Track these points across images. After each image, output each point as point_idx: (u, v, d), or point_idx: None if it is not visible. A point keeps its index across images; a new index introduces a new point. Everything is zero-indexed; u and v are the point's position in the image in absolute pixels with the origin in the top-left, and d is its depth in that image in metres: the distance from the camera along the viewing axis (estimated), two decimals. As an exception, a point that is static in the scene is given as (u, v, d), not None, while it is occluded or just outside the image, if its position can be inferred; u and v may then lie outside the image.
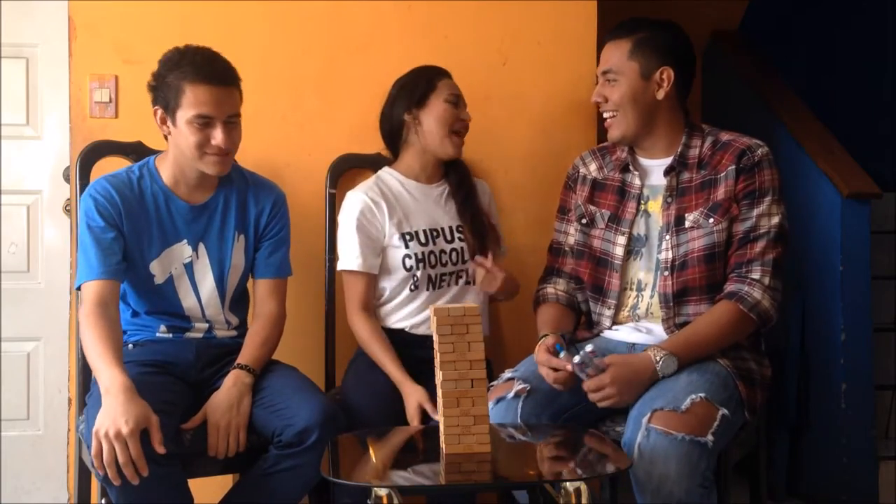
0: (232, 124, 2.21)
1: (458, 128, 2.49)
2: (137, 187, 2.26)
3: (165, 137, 2.27)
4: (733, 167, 2.18)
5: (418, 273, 2.47)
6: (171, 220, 2.27)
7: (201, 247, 2.30)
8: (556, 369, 2.11)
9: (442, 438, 1.84)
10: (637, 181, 2.29)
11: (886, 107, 4.28)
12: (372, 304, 2.51)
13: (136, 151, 2.48)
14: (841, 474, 3.19)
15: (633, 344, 2.23)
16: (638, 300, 2.26)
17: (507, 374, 2.25)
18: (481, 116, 2.79)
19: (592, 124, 2.80)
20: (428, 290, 2.48)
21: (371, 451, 2.04)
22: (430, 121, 2.49)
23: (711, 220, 2.18)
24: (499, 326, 2.73)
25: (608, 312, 2.28)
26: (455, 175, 2.56)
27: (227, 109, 2.19)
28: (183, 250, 2.29)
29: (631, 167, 2.30)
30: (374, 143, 2.65)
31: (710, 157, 2.23)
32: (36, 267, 3.00)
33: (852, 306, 3.18)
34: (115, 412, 1.93)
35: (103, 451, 1.91)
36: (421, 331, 2.48)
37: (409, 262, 2.47)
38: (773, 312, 2.15)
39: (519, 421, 2.14)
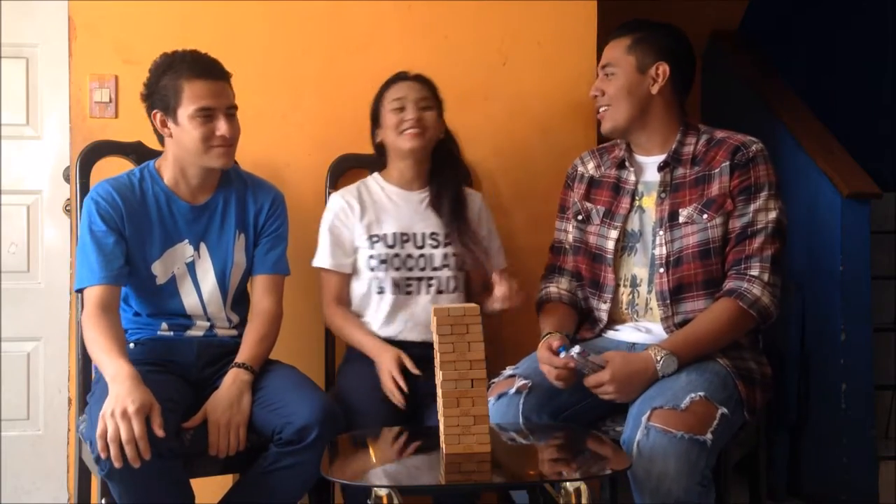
0: (231, 116, 2.26)
1: (404, 128, 2.48)
2: (139, 189, 2.28)
3: (163, 142, 2.30)
4: (727, 163, 2.19)
5: (381, 274, 2.49)
6: (172, 221, 2.29)
7: (203, 246, 2.32)
8: (557, 367, 2.12)
9: (442, 438, 1.84)
10: (632, 177, 2.30)
11: (886, 107, 4.28)
12: (345, 299, 2.55)
13: (136, 151, 2.48)
14: (841, 474, 3.19)
15: (634, 343, 2.24)
16: (634, 296, 2.27)
17: (509, 370, 2.26)
18: (481, 116, 2.80)
19: (592, 124, 2.79)
20: (394, 293, 2.49)
21: (371, 451, 2.04)
22: (386, 132, 2.53)
23: (705, 216, 2.19)
24: (499, 326, 2.72)
25: (604, 307, 2.29)
26: (438, 184, 2.55)
27: (225, 101, 2.25)
28: (185, 250, 2.30)
29: (627, 163, 2.32)
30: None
31: (705, 154, 2.24)
32: (36, 267, 3.00)
33: (852, 306, 3.18)
34: (122, 395, 1.97)
35: (108, 430, 1.94)
36: (396, 338, 2.48)
37: (372, 263, 2.50)
38: (772, 309, 2.15)
39: (520, 417, 2.14)
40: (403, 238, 2.51)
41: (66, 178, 2.88)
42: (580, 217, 2.37)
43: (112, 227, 2.23)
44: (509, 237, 2.76)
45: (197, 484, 2.16)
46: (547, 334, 2.24)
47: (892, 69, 4.30)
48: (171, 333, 2.31)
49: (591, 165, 2.41)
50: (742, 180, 2.18)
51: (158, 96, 2.22)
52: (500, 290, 2.34)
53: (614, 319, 2.31)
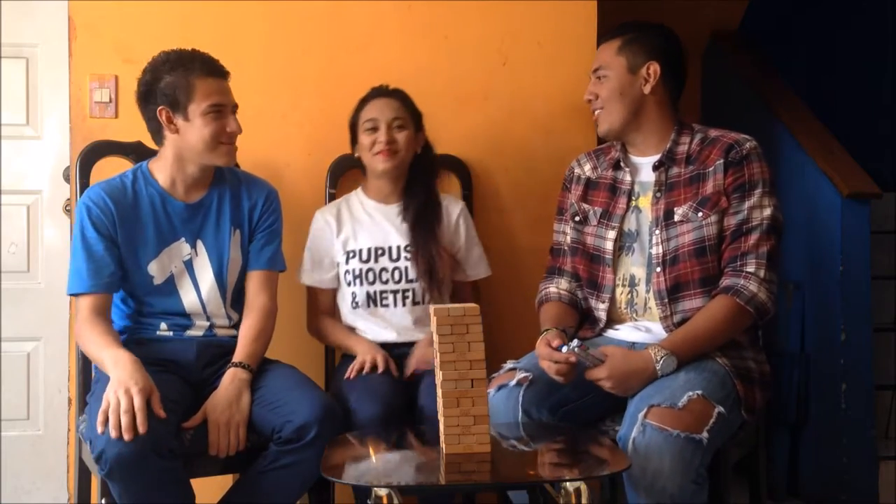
0: (235, 114, 2.29)
1: (377, 150, 2.51)
2: (132, 191, 2.29)
3: (159, 141, 2.29)
4: (721, 161, 2.20)
5: (356, 289, 2.52)
6: (167, 220, 2.30)
7: (199, 244, 2.33)
8: (557, 361, 2.12)
9: (442, 438, 1.84)
10: (628, 178, 2.31)
11: (886, 107, 4.28)
12: (330, 310, 2.60)
13: (136, 151, 2.48)
14: (841, 474, 3.19)
15: (634, 343, 2.24)
16: (633, 296, 2.27)
17: (510, 364, 2.27)
18: (481, 116, 2.80)
19: (592, 125, 2.78)
20: (368, 306, 2.52)
21: (371, 450, 2.04)
22: (361, 151, 2.57)
23: (700, 214, 2.19)
24: (499, 326, 2.72)
25: (602, 307, 2.30)
26: (409, 196, 2.57)
27: (231, 99, 2.28)
28: (181, 248, 2.31)
29: (622, 164, 2.33)
30: (374, 143, 2.66)
31: (699, 153, 2.24)
32: (36, 267, 3.00)
33: (852, 306, 3.18)
34: (124, 378, 2.02)
35: (111, 404, 1.97)
36: (375, 341, 2.51)
37: (348, 278, 2.54)
38: (770, 305, 2.16)
39: (519, 410, 2.14)
40: (378, 252, 2.54)
41: (66, 178, 2.89)
42: (577, 218, 2.37)
43: (103, 233, 2.24)
44: (509, 237, 2.76)
45: (197, 484, 2.16)
46: (546, 330, 2.24)
47: (892, 69, 4.30)
48: (171, 334, 2.31)
49: (587, 167, 2.42)
50: (736, 178, 2.19)
51: (164, 93, 2.21)
52: (416, 354, 2.42)
53: (613, 319, 2.31)
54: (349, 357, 2.50)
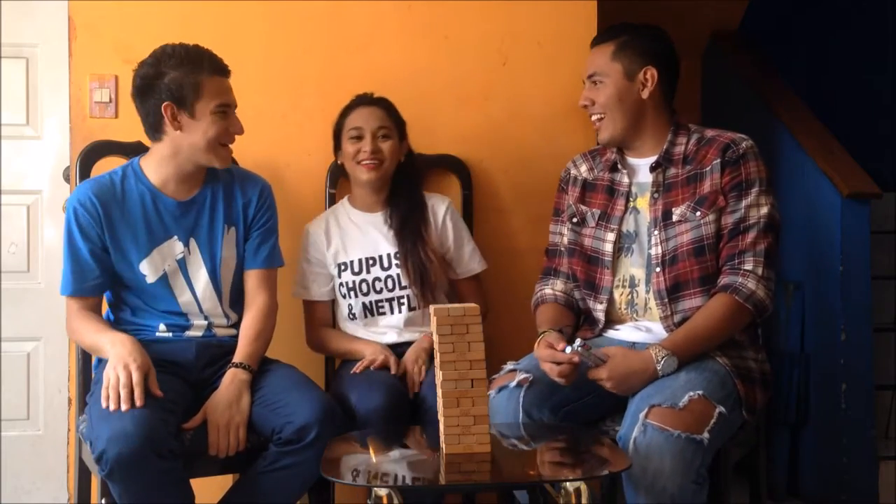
0: (235, 114, 2.28)
1: (361, 159, 2.51)
2: (121, 189, 2.27)
3: (158, 137, 2.25)
4: (718, 161, 2.20)
5: (351, 301, 2.53)
6: (159, 219, 2.28)
7: (192, 242, 2.31)
8: (558, 363, 2.12)
9: (442, 438, 1.84)
10: (625, 179, 2.31)
11: (886, 107, 4.28)
12: (329, 322, 2.60)
13: (136, 151, 2.47)
14: (841, 474, 3.19)
15: (634, 343, 2.24)
16: (633, 296, 2.27)
17: (510, 365, 2.27)
18: (481, 116, 2.80)
19: (592, 124, 2.79)
20: (365, 316, 2.53)
21: (371, 450, 2.04)
22: (345, 159, 2.56)
23: (698, 214, 2.20)
24: (498, 326, 2.72)
25: (600, 308, 2.30)
26: (394, 204, 2.56)
27: (234, 99, 2.27)
28: (174, 247, 2.29)
29: (619, 166, 2.33)
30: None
31: (696, 153, 2.25)
32: (36, 267, 3.00)
33: (852, 306, 3.18)
34: (124, 354, 2.08)
35: (111, 380, 2.02)
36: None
37: (342, 290, 2.54)
38: (768, 302, 2.16)
39: (520, 411, 2.14)
40: (370, 262, 2.53)
41: (66, 178, 2.88)
42: (575, 220, 2.37)
43: (89, 236, 2.23)
44: (509, 237, 2.76)
45: (197, 484, 2.16)
46: (543, 332, 2.24)
47: (892, 69, 4.30)
48: (170, 335, 2.31)
49: (583, 168, 2.42)
50: (733, 177, 2.19)
51: (170, 87, 2.17)
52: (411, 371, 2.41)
53: (613, 319, 2.31)
54: (351, 362, 2.48)
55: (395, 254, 2.52)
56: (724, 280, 2.17)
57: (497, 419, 2.11)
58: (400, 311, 2.52)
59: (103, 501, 2.12)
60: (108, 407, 2.01)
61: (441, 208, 2.60)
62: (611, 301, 2.29)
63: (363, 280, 2.52)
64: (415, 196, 2.58)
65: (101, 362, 2.28)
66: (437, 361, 1.85)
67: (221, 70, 2.24)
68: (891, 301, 3.73)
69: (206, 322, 2.33)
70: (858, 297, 3.19)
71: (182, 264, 2.30)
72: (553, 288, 2.41)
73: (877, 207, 3.30)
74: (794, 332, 3.29)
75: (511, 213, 2.80)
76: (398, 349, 2.49)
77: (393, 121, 2.54)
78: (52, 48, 2.91)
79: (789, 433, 3.32)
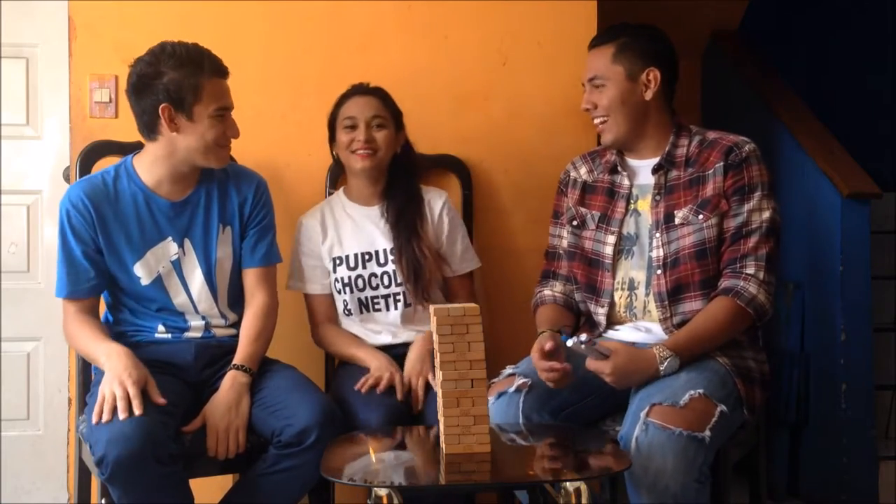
0: (232, 116, 2.25)
1: (355, 148, 2.48)
2: (114, 189, 2.25)
3: (153, 137, 2.22)
4: (721, 164, 2.20)
5: (346, 297, 2.49)
6: (152, 220, 2.26)
7: (187, 242, 2.29)
8: (551, 369, 2.11)
9: (442, 438, 1.84)
10: (626, 181, 2.31)
11: (886, 107, 4.28)
12: (332, 317, 2.55)
13: (137, 151, 2.48)
14: (841, 474, 3.19)
15: (634, 343, 2.23)
16: (632, 299, 2.27)
17: (509, 369, 2.26)
18: (481, 116, 2.80)
19: (592, 125, 2.78)
20: (361, 312, 2.50)
21: (371, 451, 2.04)
22: (339, 149, 2.54)
23: (701, 217, 2.19)
24: (499, 326, 2.72)
25: (602, 311, 2.29)
26: (390, 197, 2.53)
27: (232, 101, 2.25)
28: (168, 248, 2.28)
29: (619, 168, 2.32)
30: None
31: (698, 155, 2.24)
32: (36, 267, 3.00)
33: (852, 306, 3.18)
34: (118, 368, 2.04)
35: (106, 397, 1.99)
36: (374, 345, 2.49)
37: (337, 286, 2.51)
38: (768, 307, 2.16)
39: (520, 415, 2.14)
40: (366, 257, 2.50)
41: (66, 178, 2.88)
42: (575, 222, 2.37)
43: (83, 237, 2.22)
44: (509, 237, 2.76)
45: (197, 484, 2.16)
46: (541, 333, 2.24)
47: (892, 69, 4.30)
48: (169, 336, 2.30)
49: (583, 170, 2.41)
50: (736, 181, 2.19)
51: (168, 88, 2.14)
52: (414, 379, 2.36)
53: (613, 321, 2.31)
54: (351, 365, 2.47)
55: (391, 249, 2.49)
56: (725, 283, 2.17)
57: (497, 425, 2.11)
58: (396, 308, 2.49)
59: (103, 501, 2.12)
60: (100, 420, 1.98)
61: (438, 203, 2.57)
62: (611, 304, 2.29)
63: (359, 276, 2.50)
64: (411, 189, 2.55)
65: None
66: (437, 361, 1.85)
67: (221, 71, 2.21)
68: (891, 301, 3.73)
69: (203, 322, 2.32)
70: (858, 297, 3.19)
71: (177, 265, 2.29)
72: (552, 289, 2.40)
73: (877, 207, 3.30)
74: (794, 332, 3.29)
75: (511, 213, 2.80)
76: (395, 350, 2.47)
77: (389, 110, 2.51)
78: (52, 48, 2.91)
79: (789, 433, 3.32)
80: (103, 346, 2.12)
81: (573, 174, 2.43)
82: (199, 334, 2.32)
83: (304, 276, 2.54)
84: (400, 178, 2.54)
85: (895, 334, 3.68)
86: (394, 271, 2.48)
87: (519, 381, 2.18)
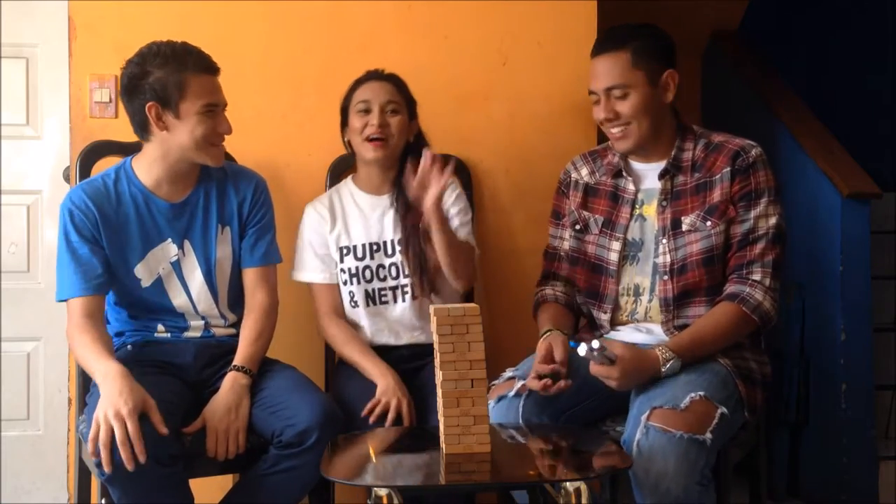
0: (224, 112, 2.24)
1: (368, 133, 2.43)
2: (114, 192, 2.24)
3: (146, 137, 2.23)
4: (728, 169, 2.19)
5: (353, 288, 2.46)
6: (152, 221, 2.26)
7: (186, 244, 2.29)
8: (540, 377, 2.10)
9: (442, 438, 1.84)
10: (631, 186, 2.28)
11: (886, 107, 4.28)
12: (341, 311, 2.50)
13: (136, 151, 2.47)
14: (841, 474, 3.19)
15: (635, 344, 2.22)
16: (636, 305, 2.26)
17: (508, 372, 2.25)
18: (481, 116, 2.80)
19: (592, 124, 2.79)
20: (368, 305, 2.46)
21: (371, 451, 2.04)
22: (352, 135, 2.49)
23: (709, 223, 2.18)
24: (498, 326, 2.72)
25: (605, 317, 2.28)
26: (401, 187, 2.46)
27: (223, 98, 2.23)
28: (168, 249, 2.27)
29: (624, 172, 2.29)
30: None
31: (704, 160, 2.23)
32: (36, 267, 3.00)
33: (852, 306, 3.18)
34: (114, 395, 1.94)
35: (101, 432, 1.91)
36: (380, 343, 2.46)
37: (343, 277, 2.47)
38: (773, 314, 2.16)
39: (520, 420, 2.14)
40: (374, 248, 2.47)
41: (66, 178, 2.88)
42: (578, 226, 2.35)
43: (87, 236, 2.20)
44: (509, 237, 2.76)
45: (197, 484, 2.16)
46: (546, 332, 2.22)
47: (892, 69, 4.30)
48: (168, 335, 2.30)
49: (584, 171, 2.39)
50: (743, 186, 2.18)
51: (154, 87, 2.14)
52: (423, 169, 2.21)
53: (614, 323, 2.30)
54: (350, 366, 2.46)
55: (399, 240, 2.46)
56: (731, 288, 2.16)
57: (497, 429, 2.10)
58: (403, 301, 2.46)
59: (103, 501, 2.12)
60: (99, 462, 1.91)
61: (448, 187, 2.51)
62: (614, 309, 2.27)
63: (367, 266, 2.46)
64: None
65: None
66: (437, 361, 1.85)
67: (208, 68, 2.19)
68: (891, 301, 3.73)
69: (202, 322, 2.32)
70: (858, 297, 3.19)
71: (176, 266, 2.28)
72: (554, 289, 2.39)
73: (877, 207, 3.30)
74: (795, 333, 3.29)
75: (511, 213, 2.80)
76: (397, 353, 2.45)
77: (403, 97, 2.48)
78: (52, 48, 2.91)
79: (789, 433, 3.32)
80: (101, 365, 2.04)
81: (574, 175, 2.40)
82: (198, 334, 2.32)
83: (310, 264, 2.50)
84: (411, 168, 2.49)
85: (895, 334, 3.68)
86: (402, 263, 2.45)
87: (518, 384, 2.17)
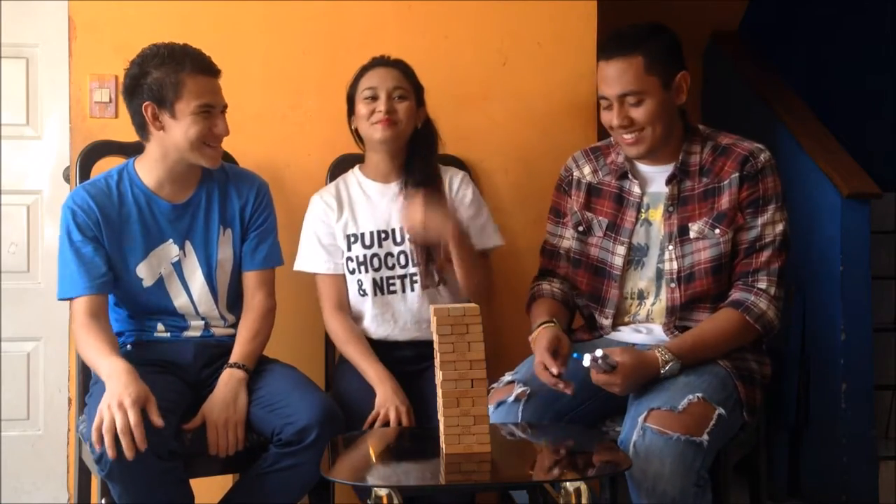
0: (223, 115, 2.24)
1: (376, 119, 2.41)
2: (116, 192, 2.25)
3: (146, 138, 2.24)
4: (737, 175, 2.15)
5: (361, 276, 2.45)
6: (154, 221, 2.27)
7: (188, 244, 2.30)
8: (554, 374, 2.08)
9: (442, 438, 1.84)
10: (636, 189, 2.25)
11: (886, 107, 4.28)
12: (345, 304, 2.48)
13: (136, 151, 2.46)
14: (841, 474, 3.19)
15: (635, 344, 2.22)
16: (639, 308, 2.25)
17: (508, 377, 2.24)
18: (481, 116, 2.80)
19: (592, 124, 2.80)
20: (376, 294, 2.44)
21: (371, 451, 2.04)
22: (359, 121, 2.47)
23: (717, 231, 2.16)
24: (498, 326, 2.72)
25: (607, 322, 2.27)
26: (408, 173, 2.46)
27: (221, 100, 2.23)
28: (170, 250, 2.28)
29: (630, 175, 2.25)
30: (374, 143, 2.65)
31: (712, 164, 2.19)
32: (36, 267, 3.00)
33: (852, 306, 3.18)
34: (118, 389, 1.98)
35: (105, 421, 1.94)
36: (386, 338, 2.46)
37: (350, 265, 2.45)
38: (776, 322, 2.15)
39: None
40: (382, 236, 2.45)
41: (66, 178, 2.88)
42: (581, 228, 2.31)
43: (90, 236, 2.21)
44: (509, 238, 2.75)
45: (197, 484, 2.16)
46: (541, 324, 2.18)
47: (892, 69, 4.30)
48: (168, 335, 2.31)
49: (587, 170, 2.34)
50: (751, 192, 2.15)
51: (151, 88, 2.16)
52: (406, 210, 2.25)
53: (614, 324, 2.28)
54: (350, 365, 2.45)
55: None
56: (736, 295, 2.15)
57: (497, 435, 2.10)
58: (412, 290, 2.44)
59: (103, 501, 2.12)
60: (101, 451, 1.95)
61: (456, 180, 2.53)
62: (615, 314, 2.26)
63: (374, 254, 2.45)
64: (430, 167, 2.49)
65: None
66: (437, 361, 1.85)
67: (206, 69, 2.19)
68: (891, 301, 3.73)
69: (202, 323, 2.33)
70: (858, 297, 3.19)
71: (178, 267, 2.29)
72: (551, 285, 2.35)
73: (877, 207, 3.30)
74: (795, 332, 3.29)
75: (511, 213, 2.80)
76: (399, 352, 2.45)
77: (410, 83, 2.47)
78: (52, 48, 2.91)
79: (789, 433, 3.32)
80: (107, 362, 2.07)
81: (576, 174, 2.36)
82: (198, 334, 2.32)
83: (313, 254, 2.47)
84: (419, 155, 2.48)
85: (895, 334, 3.68)
86: (411, 251, 2.43)
87: (518, 389, 2.15)
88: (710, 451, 1.97)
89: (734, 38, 4.04)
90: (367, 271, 2.44)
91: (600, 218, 2.29)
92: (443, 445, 1.84)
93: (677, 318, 2.19)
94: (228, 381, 2.19)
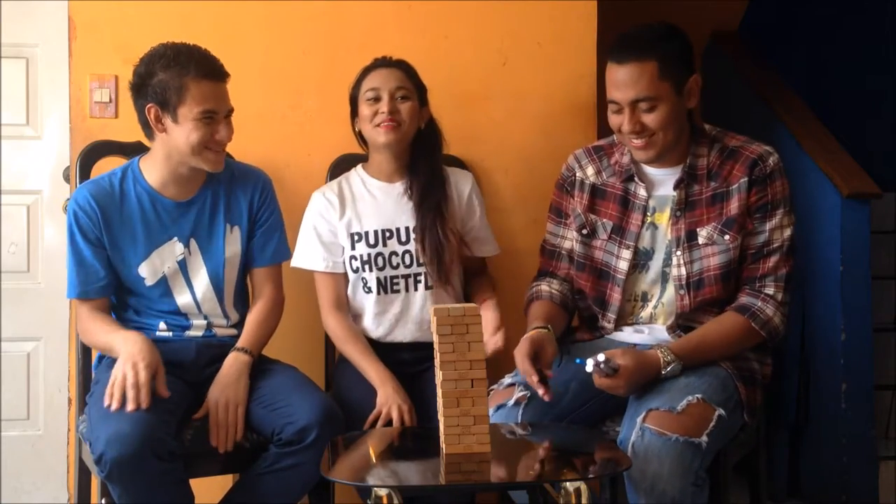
0: (228, 119, 2.23)
1: (378, 121, 2.41)
2: (119, 191, 2.26)
3: (150, 137, 2.25)
4: (745, 179, 2.13)
5: (365, 275, 2.44)
6: (157, 220, 2.27)
7: (193, 243, 2.30)
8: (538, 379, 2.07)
9: (442, 438, 1.84)
10: (642, 192, 2.22)
11: (886, 107, 4.28)
12: (344, 303, 2.48)
13: (137, 151, 2.47)
14: (841, 474, 3.18)
15: (635, 345, 2.21)
16: (642, 310, 2.24)
17: (508, 379, 2.23)
18: (481, 116, 2.80)
19: (592, 124, 2.80)
20: (379, 293, 2.43)
21: (371, 451, 2.04)
22: (362, 123, 2.47)
23: (727, 237, 2.14)
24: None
25: (609, 326, 2.26)
26: (415, 173, 2.47)
27: (226, 105, 2.23)
28: (174, 248, 2.29)
29: (636, 177, 2.22)
30: (374, 143, 2.65)
31: (720, 168, 2.17)
32: (36, 267, 3.00)
33: (852, 306, 3.17)
34: (134, 352, 2.07)
35: (118, 378, 2.03)
36: (386, 339, 2.46)
37: (354, 264, 2.45)
38: (782, 329, 2.14)
39: None
40: (386, 235, 2.45)
41: (66, 178, 2.88)
42: (585, 231, 2.28)
43: (91, 239, 2.23)
44: (509, 238, 2.76)
45: (197, 484, 2.16)
46: (535, 328, 2.16)
47: (892, 69, 4.29)
48: (170, 334, 2.31)
49: (590, 170, 2.31)
50: (760, 197, 2.14)
51: (155, 90, 2.16)
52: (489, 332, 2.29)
53: (616, 327, 2.27)
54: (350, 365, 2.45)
55: (414, 228, 2.44)
56: (742, 300, 2.14)
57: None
58: (416, 290, 2.44)
59: (103, 501, 2.12)
60: (110, 405, 2.01)
61: (466, 185, 2.53)
62: (618, 318, 2.25)
63: (379, 253, 2.44)
64: (436, 167, 2.49)
65: (101, 362, 2.29)
66: (436, 361, 1.85)
67: (211, 74, 2.18)
68: (891, 301, 3.73)
69: (205, 322, 2.33)
70: (858, 297, 3.18)
71: (182, 265, 2.29)
72: (550, 286, 2.33)
73: (877, 207, 3.30)
74: (795, 333, 3.29)
75: (511, 213, 2.80)
76: (398, 356, 2.44)
77: (413, 83, 2.46)
78: (52, 48, 2.91)
79: (789, 433, 3.32)
80: (120, 334, 2.16)
81: (579, 174, 2.32)
82: (200, 333, 2.32)
83: (312, 251, 2.47)
84: (423, 155, 2.48)
85: (895, 334, 3.67)
86: (416, 250, 2.43)
87: (518, 393, 2.15)
88: (710, 452, 1.97)
89: (734, 38, 4.03)
90: (371, 270, 2.44)
91: (604, 220, 2.26)
92: (443, 445, 1.84)
93: (683, 320, 2.18)
94: (233, 363, 2.21)
